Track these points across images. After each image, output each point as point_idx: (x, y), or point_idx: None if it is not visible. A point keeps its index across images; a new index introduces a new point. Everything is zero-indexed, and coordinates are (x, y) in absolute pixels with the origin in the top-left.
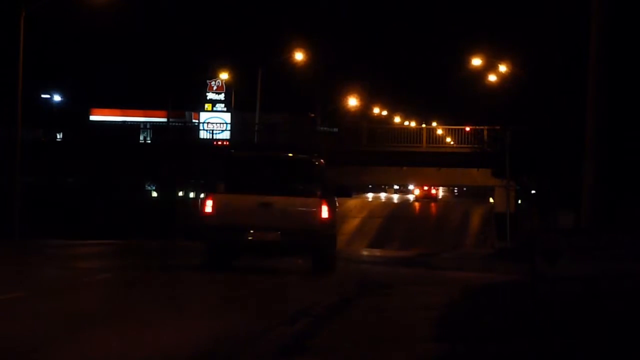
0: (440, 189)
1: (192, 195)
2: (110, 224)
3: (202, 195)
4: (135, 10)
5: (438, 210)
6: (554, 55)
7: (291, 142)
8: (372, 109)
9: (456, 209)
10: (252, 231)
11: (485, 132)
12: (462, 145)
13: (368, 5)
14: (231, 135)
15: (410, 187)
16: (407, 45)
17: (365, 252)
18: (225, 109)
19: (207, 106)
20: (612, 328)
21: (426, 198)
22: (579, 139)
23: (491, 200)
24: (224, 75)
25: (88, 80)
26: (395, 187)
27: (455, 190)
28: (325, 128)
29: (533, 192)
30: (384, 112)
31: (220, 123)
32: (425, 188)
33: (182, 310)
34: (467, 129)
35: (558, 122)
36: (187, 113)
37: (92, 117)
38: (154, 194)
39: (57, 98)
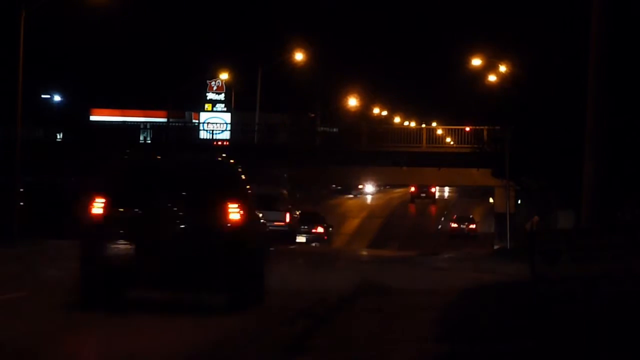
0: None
1: None
2: None
3: None
4: (135, 10)
5: (438, 211)
6: (554, 55)
7: None
8: (372, 109)
9: (456, 209)
10: None
11: (485, 132)
12: (462, 145)
13: (368, 6)
14: (231, 135)
15: (370, 187)
16: (407, 45)
17: (365, 252)
18: (225, 109)
19: (207, 106)
20: (613, 328)
21: (419, 198)
22: (579, 139)
23: (491, 200)
24: (224, 75)
25: (88, 80)
26: (359, 186)
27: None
28: (325, 128)
29: (532, 192)
30: (384, 112)
31: (220, 123)
32: (412, 189)
33: (181, 310)
34: (467, 129)
35: (558, 122)
36: (187, 113)
37: (92, 117)
38: None
39: (57, 98)
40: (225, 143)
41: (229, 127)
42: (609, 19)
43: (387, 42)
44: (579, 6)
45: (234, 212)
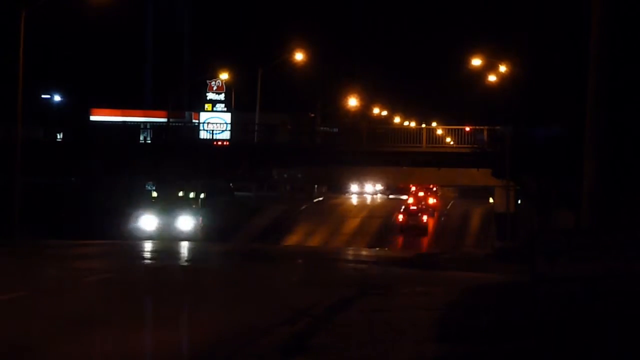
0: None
1: (192, 195)
2: (110, 224)
3: None
4: (136, 10)
5: (438, 210)
6: (554, 55)
7: None
8: (372, 109)
9: (456, 209)
10: None
11: (485, 132)
12: (462, 145)
13: (369, 6)
14: (231, 135)
15: (374, 187)
16: (407, 45)
17: (364, 252)
18: (225, 109)
19: (207, 106)
20: (613, 328)
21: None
22: (579, 139)
23: (491, 200)
24: (224, 75)
25: (88, 80)
26: (354, 187)
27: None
28: (325, 128)
29: (532, 192)
30: (384, 112)
31: (220, 123)
32: (412, 190)
33: (182, 310)
34: (467, 129)
35: (558, 122)
36: (187, 113)
37: (92, 117)
38: (154, 194)
39: (57, 98)
40: (225, 143)
41: (229, 127)
42: (609, 19)
43: (387, 42)
44: (579, 5)
45: None
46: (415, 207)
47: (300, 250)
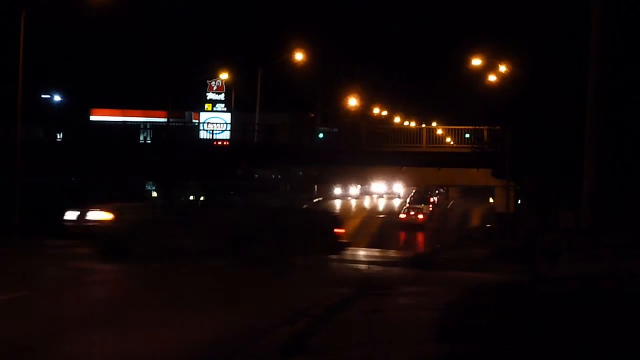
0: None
1: (191, 196)
2: None
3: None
4: (136, 10)
5: (438, 210)
6: (554, 55)
7: None
8: (372, 109)
9: (456, 209)
10: None
11: (485, 132)
12: (462, 145)
13: (369, 6)
14: (231, 135)
15: (373, 187)
16: (407, 45)
17: (364, 252)
18: (225, 109)
19: (207, 106)
20: (612, 328)
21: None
22: (579, 139)
23: (491, 200)
24: (224, 75)
25: (88, 80)
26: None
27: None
28: (325, 128)
29: (532, 192)
30: (384, 112)
31: (220, 123)
32: (412, 194)
33: (183, 309)
34: (467, 135)
35: (558, 122)
36: (187, 113)
37: (92, 117)
38: (154, 194)
39: (57, 98)
40: (225, 143)
41: (229, 127)
42: (609, 19)
43: (387, 42)
44: (579, 5)
45: None
46: (414, 206)
47: None
